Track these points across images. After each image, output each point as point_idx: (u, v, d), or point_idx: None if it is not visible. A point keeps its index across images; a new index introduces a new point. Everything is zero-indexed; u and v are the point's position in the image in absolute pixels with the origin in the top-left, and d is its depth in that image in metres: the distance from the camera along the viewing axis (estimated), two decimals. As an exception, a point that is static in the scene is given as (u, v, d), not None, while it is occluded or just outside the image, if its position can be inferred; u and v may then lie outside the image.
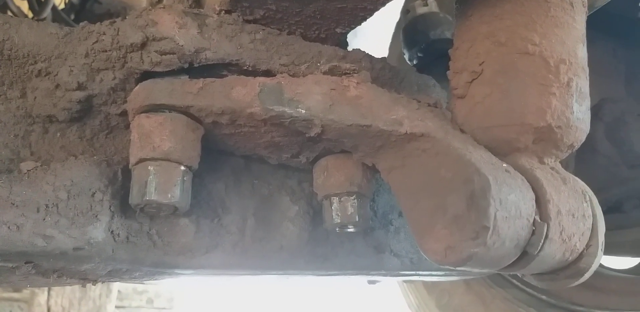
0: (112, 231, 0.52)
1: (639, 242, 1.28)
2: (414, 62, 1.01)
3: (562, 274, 0.55)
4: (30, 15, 1.57)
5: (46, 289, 2.01)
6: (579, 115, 0.54)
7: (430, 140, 0.53)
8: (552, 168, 0.55)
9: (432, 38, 0.95)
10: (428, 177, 0.53)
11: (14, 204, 0.47)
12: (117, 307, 2.21)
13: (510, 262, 0.51)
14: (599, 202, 1.30)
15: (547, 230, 0.50)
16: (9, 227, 0.46)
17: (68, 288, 2.03)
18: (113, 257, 0.52)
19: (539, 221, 0.50)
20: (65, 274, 0.52)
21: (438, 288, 1.68)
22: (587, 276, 0.55)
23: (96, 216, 0.51)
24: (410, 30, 1.00)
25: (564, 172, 0.56)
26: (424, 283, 1.73)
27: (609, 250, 1.44)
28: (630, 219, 1.28)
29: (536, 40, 0.53)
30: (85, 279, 0.55)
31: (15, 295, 2.37)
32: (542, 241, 0.49)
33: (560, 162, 1.00)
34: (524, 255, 0.50)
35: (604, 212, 1.31)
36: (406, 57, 1.03)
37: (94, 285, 0.55)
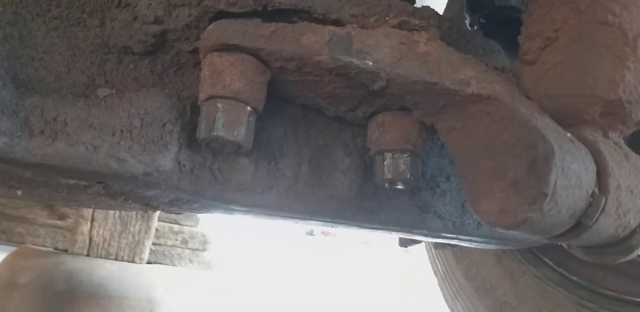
0: (179, 162, 0.55)
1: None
2: (475, 27, 0.98)
3: (611, 249, 0.55)
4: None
5: (89, 220, 2.12)
6: (654, 91, 0.52)
7: (497, 104, 0.53)
8: (616, 143, 0.54)
9: (497, 4, 0.92)
10: (489, 141, 0.53)
11: (92, 126, 0.50)
12: (154, 244, 2.32)
13: (563, 231, 0.51)
14: None
15: (605, 203, 0.49)
16: (86, 147, 0.49)
17: (110, 221, 2.14)
18: (177, 186, 0.55)
19: (598, 193, 0.49)
20: (131, 198, 0.56)
21: (467, 259, 1.70)
22: (632, 255, 0.55)
23: (166, 146, 0.53)
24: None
25: (626, 148, 0.55)
26: (454, 253, 1.74)
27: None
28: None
29: (617, 11, 0.51)
30: (148, 205, 0.58)
31: (60, 223, 2.52)
32: (598, 214, 0.49)
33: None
34: (578, 225, 0.50)
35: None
36: (467, 21, 1.00)
37: (154, 212, 0.58)
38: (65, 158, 0.48)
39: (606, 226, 0.51)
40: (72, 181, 0.51)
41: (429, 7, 0.66)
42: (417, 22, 0.59)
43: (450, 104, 0.56)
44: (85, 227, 2.09)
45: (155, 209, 0.59)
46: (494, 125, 0.53)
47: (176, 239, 2.56)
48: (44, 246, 2.28)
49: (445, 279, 1.80)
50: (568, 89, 0.53)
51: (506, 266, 1.56)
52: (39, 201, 0.75)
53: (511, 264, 1.55)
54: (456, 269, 1.73)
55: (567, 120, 0.54)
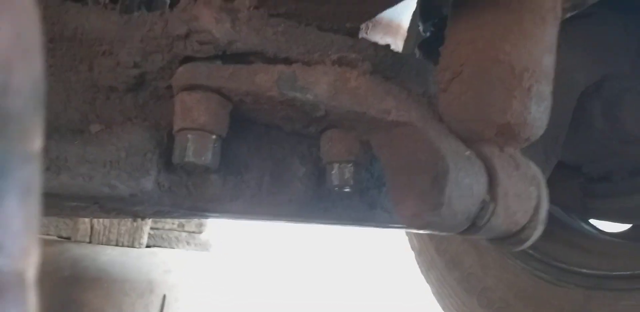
0: (158, 183, 0.68)
1: (624, 210, 1.39)
2: (427, 34, 1.10)
3: (507, 241, 0.69)
4: None
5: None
6: (535, 116, 0.65)
7: (412, 128, 0.66)
8: (510, 156, 0.67)
9: (444, 13, 1.04)
10: (407, 158, 0.67)
11: (87, 160, 0.63)
12: (151, 228, 2.47)
13: (463, 229, 0.65)
14: (589, 172, 1.42)
15: (494, 208, 0.63)
16: (83, 178, 0.62)
17: (109, 209, 2.28)
18: (158, 202, 0.69)
19: (489, 200, 0.63)
20: (122, 212, 0.69)
21: (439, 235, 1.85)
22: (528, 244, 0.69)
23: (147, 171, 0.66)
24: (426, 4, 1.08)
25: (520, 160, 0.68)
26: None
27: (599, 215, 1.58)
28: (617, 188, 1.39)
29: (507, 50, 0.63)
30: (136, 216, 0.72)
31: (63, 212, 2.66)
32: (489, 216, 0.63)
33: (550, 137, 1.10)
34: (473, 225, 0.64)
35: (595, 181, 1.43)
36: (420, 28, 1.12)
37: (143, 220, 0.72)
38: (67, 188, 0.61)
39: (498, 224, 0.65)
40: (74, 203, 0.65)
41: (365, 39, 0.78)
42: (353, 56, 0.71)
43: (378, 127, 0.69)
44: (85, 216, 2.23)
45: (142, 218, 0.73)
46: (410, 146, 0.67)
47: (173, 223, 2.71)
48: (48, 235, 2.43)
49: (420, 254, 1.95)
50: (470, 115, 0.66)
51: (472, 242, 1.72)
52: (48, 216, 0.88)
53: (478, 240, 1.70)
54: (429, 245, 1.89)
55: (470, 139, 0.68)
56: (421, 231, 0.66)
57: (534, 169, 0.69)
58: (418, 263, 1.96)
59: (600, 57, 1.32)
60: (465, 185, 0.61)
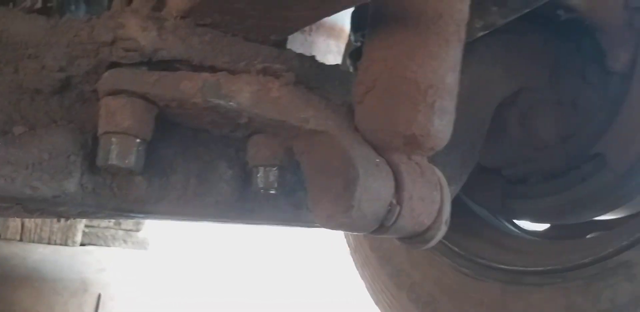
0: (82, 184, 0.70)
1: (538, 210, 1.50)
2: (358, 43, 1.16)
3: (414, 240, 0.76)
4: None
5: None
6: (438, 128, 0.72)
7: (328, 136, 0.71)
8: (417, 163, 0.74)
9: None
10: (324, 164, 0.72)
11: (9, 162, 0.64)
12: (86, 226, 2.43)
13: (374, 229, 0.71)
14: (508, 175, 1.52)
15: (400, 210, 0.69)
16: (5, 180, 0.63)
17: (42, 207, 2.23)
18: (82, 203, 0.70)
19: (395, 203, 0.69)
20: (45, 213, 0.71)
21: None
22: (432, 243, 0.76)
23: (70, 173, 0.68)
24: (356, 16, 1.14)
25: (425, 167, 0.74)
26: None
27: (517, 215, 1.69)
28: (533, 191, 1.50)
29: (414, 69, 0.69)
30: (60, 216, 0.73)
31: (-8, 209, 2.57)
32: (395, 217, 0.69)
33: (467, 144, 1.18)
34: (382, 226, 0.70)
35: (512, 184, 1.53)
36: (352, 38, 1.17)
37: (67, 220, 0.73)
38: None
39: (404, 225, 0.71)
40: (-5, 204, 0.65)
41: (291, 50, 0.82)
42: (278, 66, 0.75)
43: (298, 135, 0.74)
44: (16, 214, 2.16)
45: (66, 218, 0.74)
46: (327, 153, 0.72)
47: (109, 221, 2.67)
48: (-24, 233, 2.34)
49: (355, 251, 2.02)
50: (380, 126, 0.72)
51: (402, 238, 1.80)
52: (-31, 214, 0.87)
53: (407, 237, 1.78)
54: (364, 242, 1.96)
55: (381, 148, 0.73)
56: (336, 231, 0.71)
57: (438, 175, 0.76)
58: (353, 259, 2.03)
59: (517, 70, 1.42)
60: (374, 189, 0.67)
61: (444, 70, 0.71)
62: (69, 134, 0.70)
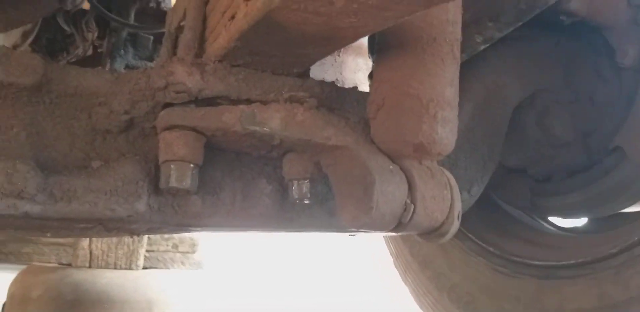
0: (149, 205, 0.85)
1: (565, 206, 1.57)
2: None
3: (431, 235, 0.87)
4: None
5: (88, 235, 2.41)
6: (442, 135, 0.83)
7: (347, 150, 0.84)
8: (427, 167, 0.85)
9: None
10: (347, 173, 0.84)
11: (92, 190, 0.80)
12: (147, 251, 2.62)
13: (393, 226, 0.83)
14: (532, 175, 1.60)
15: (415, 208, 0.81)
16: (90, 205, 0.79)
17: (106, 235, 2.43)
18: (150, 220, 0.85)
19: (409, 203, 0.81)
20: (122, 230, 0.86)
21: (411, 239, 2.02)
22: (448, 236, 0.87)
23: (140, 196, 0.83)
24: (371, 41, 1.27)
25: (435, 169, 0.86)
26: (401, 235, 2.06)
27: (547, 212, 1.76)
28: (559, 188, 1.57)
29: (415, 86, 0.82)
30: (133, 233, 0.89)
31: (61, 240, 2.80)
32: (411, 215, 0.80)
33: (487, 146, 1.28)
34: (401, 223, 0.82)
35: (539, 182, 1.61)
36: (371, 59, 1.31)
37: (138, 236, 0.89)
38: (77, 213, 0.78)
39: (420, 221, 0.82)
40: (82, 225, 0.81)
41: (312, 79, 0.96)
42: (301, 94, 0.89)
43: (323, 150, 0.87)
44: (84, 243, 2.37)
45: (137, 235, 0.90)
46: (348, 164, 0.84)
47: (167, 245, 2.86)
48: (50, 263, 2.56)
49: (397, 258, 2.12)
50: (392, 137, 0.84)
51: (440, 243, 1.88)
52: (60, 237, 1.03)
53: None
54: (404, 248, 2.05)
55: (394, 156, 0.85)
56: (361, 231, 0.83)
57: (448, 177, 0.87)
58: (396, 266, 2.12)
59: (532, 74, 1.51)
60: (390, 192, 0.79)
61: (442, 86, 0.83)
62: (136, 165, 0.85)
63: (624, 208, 1.48)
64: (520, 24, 1.14)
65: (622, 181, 1.42)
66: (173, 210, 0.88)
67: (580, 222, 1.84)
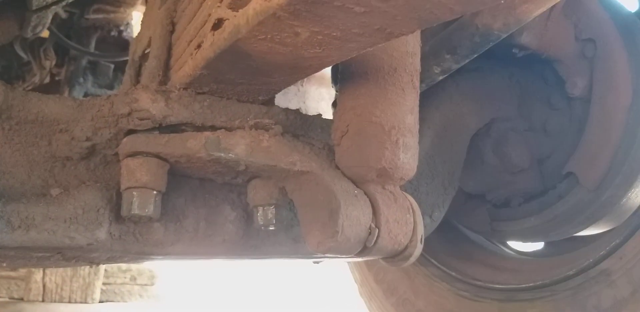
0: (110, 233, 0.83)
1: (522, 231, 1.61)
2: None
3: (395, 258, 0.88)
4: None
5: (42, 268, 2.31)
6: (404, 161, 0.86)
7: (313, 175, 0.85)
8: (390, 192, 0.87)
9: None
10: (312, 198, 0.85)
11: (50, 218, 0.78)
12: (104, 283, 2.52)
13: (358, 251, 0.83)
14: (491, 200, 1.65)
15: (379, 232, 0.82)
16: (48, 233, 0.77)
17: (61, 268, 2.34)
18: (111, 249, 0.83)
19: (374, 226, 0.82)
20: (81, 259, 0.84)
21: (376, 266, 2.02)
22: (412, 260, 0.88)
23: (100, 224, 0.81)
24: (335, 71, 1.31)
25: (398, 194, 0.88)
26: (365, 262, 2.06)
27: (505, 237, 1.80)
28: (517, 212, 1.62)
29: (378, 114, 0.84)
30: (92, 262, 0.86)
31: (13, 274, 2.67)
32: (375, 238, 0.82)
33: (446, 173, 1.31)
34: (365, 247, 0.83)
35: (497, 208, 1.65)
36: (334, 89, 1.34)
37: (98, 266, 0.86)
38: (35, 241, 0.75)
39: (384, 245, 0.83)
40: (40, 254, 0.79)
41: (277, 106, 0.98)
42: (267, 121, 0.90)
43: (288, 176, 0.88)
44: (38, 276, 2.27)
45: (97, 264, 0.87)
46: (313, 189, 0.85)
47: (125, 277, 2.77)
48: (0, 297, 2.43)
49: (362, 285, 2.11)
50: (355, 162, 0.86)
51: (405, 269, 1.90)
52: (17, 267, 0.99)
53: (408, 267, 1.88)
54: (368, 275, 2.05)
55: (359, 181, 0.87)
56: (326, 255, 0.83)
57: (410, 201, 0.89)
58: (360, 294, 2.12)
59: (488, 103, 1.57)
60: (354, 216, 0.80)
61: (403, 113, 0.86)
62: (97, 192, 0.84)
63: (578, 231, 1.53)
64: (475, 56, 1.19)
65: (575, 205, 1.47)
66: (134, 238, 0.86)
67: (538, 245, 1.89)
